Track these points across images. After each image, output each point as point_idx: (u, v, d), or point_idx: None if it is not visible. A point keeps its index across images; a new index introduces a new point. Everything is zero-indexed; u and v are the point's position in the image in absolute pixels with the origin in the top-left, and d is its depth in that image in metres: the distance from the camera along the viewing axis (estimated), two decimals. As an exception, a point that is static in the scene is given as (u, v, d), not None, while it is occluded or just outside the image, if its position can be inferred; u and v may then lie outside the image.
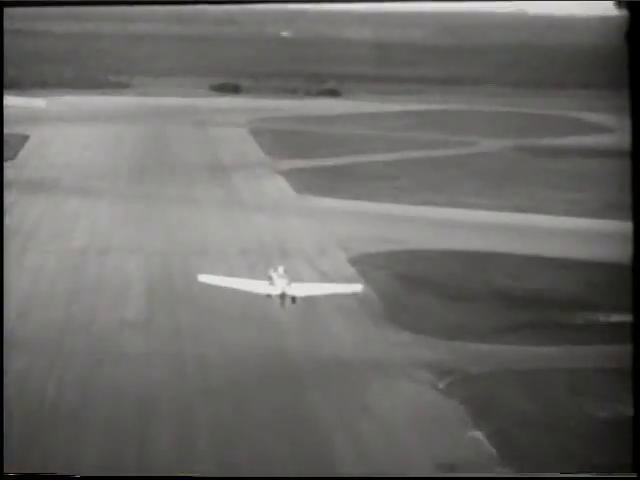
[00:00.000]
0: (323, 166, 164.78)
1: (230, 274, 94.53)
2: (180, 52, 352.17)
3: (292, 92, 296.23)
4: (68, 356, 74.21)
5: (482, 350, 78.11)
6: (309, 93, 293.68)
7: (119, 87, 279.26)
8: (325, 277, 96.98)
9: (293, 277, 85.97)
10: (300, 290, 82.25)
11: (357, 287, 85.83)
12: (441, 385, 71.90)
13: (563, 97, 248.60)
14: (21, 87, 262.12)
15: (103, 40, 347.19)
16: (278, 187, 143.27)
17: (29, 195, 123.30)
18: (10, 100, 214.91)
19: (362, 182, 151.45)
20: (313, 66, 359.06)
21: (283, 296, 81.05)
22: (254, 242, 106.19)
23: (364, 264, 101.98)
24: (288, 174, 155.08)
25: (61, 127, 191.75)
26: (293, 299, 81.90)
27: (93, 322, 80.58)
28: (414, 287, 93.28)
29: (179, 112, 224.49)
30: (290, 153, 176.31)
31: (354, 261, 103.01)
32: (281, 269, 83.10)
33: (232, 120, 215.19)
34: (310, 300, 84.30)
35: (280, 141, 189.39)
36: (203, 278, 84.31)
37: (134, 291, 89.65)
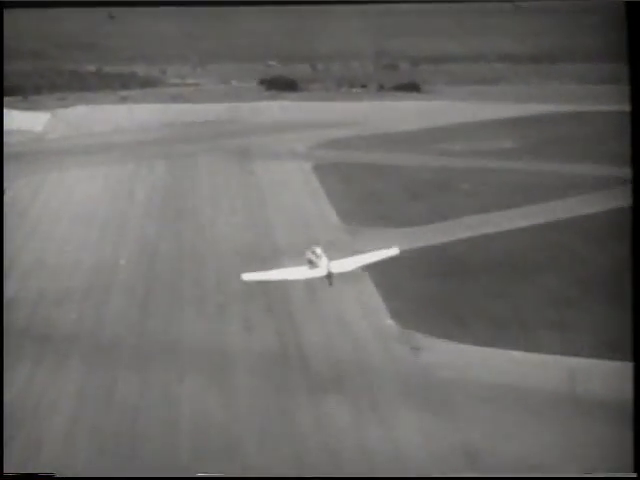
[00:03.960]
0: (432, 246, 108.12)
1: None
2: (225, 30, 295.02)
3: (362, 86, 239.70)
4: None
5: None
6: (383, 87, 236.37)
7: (148, 85, 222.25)
8: None
9: None
10: (340, 266, 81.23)
11: (394, 250, 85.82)
12: None
13: None
14: (23, 91, 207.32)
15: (131, 21, 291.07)
16: (376, 330, 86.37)
17: None
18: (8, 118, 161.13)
19: (517, 296, 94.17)
20: (381, 43, 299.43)
21: (329, 276, 79.95)
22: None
23: None
24: (383, 279, 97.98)
25: (49, 176, 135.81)
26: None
27: None
28: None
29: (217, 131, 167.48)
30: (377, 213, 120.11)
31: None
32: (318, 250, 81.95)
33: (288, 144, 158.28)
34: None
35: (359, 188, 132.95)
36: (246, 276, 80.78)
37: None
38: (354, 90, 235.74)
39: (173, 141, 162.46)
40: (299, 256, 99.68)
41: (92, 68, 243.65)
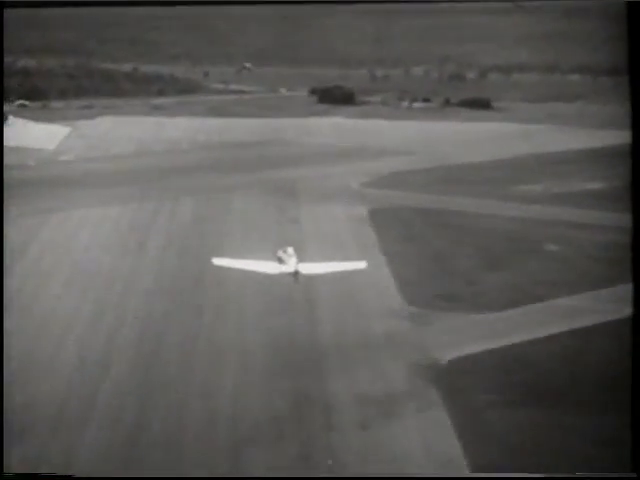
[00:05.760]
0: (518, 347, 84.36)
1: None
2: (277, 28, 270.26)
3: (425, 100, 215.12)
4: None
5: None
6: (448, 102, 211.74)
7: (186, 91, 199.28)
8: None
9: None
10: (308, 269, 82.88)
11: (362, 264, 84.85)
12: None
13: None
14: (46, 95, 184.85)
15: (171, 18, 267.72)
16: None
17: None
18: (20, 130, 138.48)
19: None
20: (445, 48, 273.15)
21: (296, 274, 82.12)
22: None
23: None
24: (457, 406, 73.45)
25: (48, 219, 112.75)
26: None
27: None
28: None
29: (258, 157, 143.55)
30: (445, 289, 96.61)
31: None
32: (290, 249, 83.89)
33: (340, 179, 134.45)
34: None
35: (423, 249, 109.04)
36: (217, 261, 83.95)
37: None
38: (416, 105, 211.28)
39: (205, 170, 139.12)
40: (349, 369, 76.09)
41: (128, 68, 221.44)
